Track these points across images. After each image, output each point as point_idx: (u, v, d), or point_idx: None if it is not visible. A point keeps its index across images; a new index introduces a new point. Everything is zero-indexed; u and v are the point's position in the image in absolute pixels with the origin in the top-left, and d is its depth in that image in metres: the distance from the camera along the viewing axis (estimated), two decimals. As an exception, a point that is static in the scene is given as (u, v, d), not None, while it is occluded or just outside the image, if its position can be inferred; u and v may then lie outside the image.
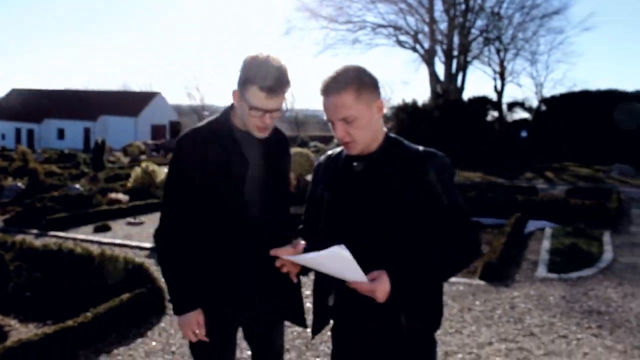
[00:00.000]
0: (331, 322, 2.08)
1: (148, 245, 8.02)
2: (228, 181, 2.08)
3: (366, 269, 1.73)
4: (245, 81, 2.00)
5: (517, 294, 5.80)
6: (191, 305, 2.15)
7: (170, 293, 2.19)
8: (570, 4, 48.17)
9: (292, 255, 1.91)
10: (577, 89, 26.93)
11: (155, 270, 6.38)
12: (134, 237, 8.77)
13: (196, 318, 2.14)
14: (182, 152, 2.13)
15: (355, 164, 1.94)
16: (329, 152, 2.12)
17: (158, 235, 2.21)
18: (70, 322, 4.33)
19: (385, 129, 1.96)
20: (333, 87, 1.82)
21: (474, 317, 5.14)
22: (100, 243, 8.19)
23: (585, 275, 6.41)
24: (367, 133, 1.85)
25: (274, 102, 2.00)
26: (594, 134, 23.17)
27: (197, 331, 2.15)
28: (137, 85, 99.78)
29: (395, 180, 1.84)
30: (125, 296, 4.97)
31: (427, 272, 1.80)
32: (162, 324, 5.00)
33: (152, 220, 10.20)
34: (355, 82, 1.81)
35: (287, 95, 2.07)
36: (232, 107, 2.16)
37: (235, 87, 2.07)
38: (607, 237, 8.27)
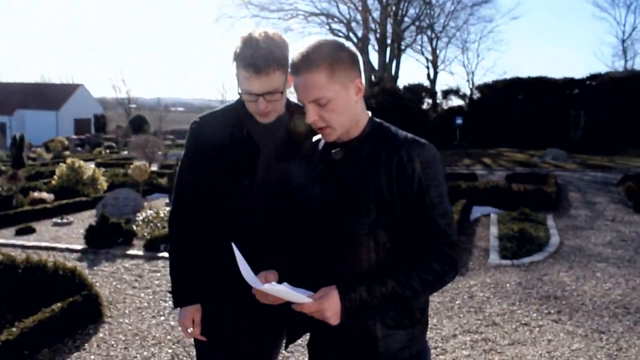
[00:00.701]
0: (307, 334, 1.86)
1: (78, 247, 7.41)
2: (236, 167, 1.98)
3: (329, 279, 1.59)
4: (235, 64, 1.87)
5: (473, 282, 5.74)
6: (188, 298, 2.06)
7: (172, 282, 2.11)
8: (499, -7, 49.99)
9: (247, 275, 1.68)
10: (507, 76, 27.72)
11: (90, 275, 5.90)
12: (62, 239, 8.10)
13: (192, 314, 2.05)
14: (192, 137, 2.07)
15: (333, 151, 1.71)
16: (312, 140, 1.90)
17: (170, 220, 2.12)
18: (-7, 341, 3.79)
19: (369, 113, 1.74)
20: (303, 64, 1.59)
21: (433, 308, 5.00)
22: (23, 247, 7.51)
23: (536, 260, 6.46)
24: (343, 117, 1.63)
25: (262, 83, 1.83)
26: (526, 119, 23.98)
27: (191, 329, 2.06)
28: (57, 77, 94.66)
29: (376, 171, 1.62)
30: (56, 306, 4.47)
31: (387, 291, 1.55)
32: (101, 334, 4.59)
33: (81, 220, 9.52)
34: (329, 58, 1.59)
35: (279, 75, 1.85)
36: None
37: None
38: (550, 221, 8.45)
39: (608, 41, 76.31)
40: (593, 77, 25.25)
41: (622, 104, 22.28)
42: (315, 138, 1.88)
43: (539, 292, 5.41)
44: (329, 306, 1.51)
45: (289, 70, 1.69)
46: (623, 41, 34.24)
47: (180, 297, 2.07)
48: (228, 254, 1.87)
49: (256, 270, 1.70)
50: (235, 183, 1.98)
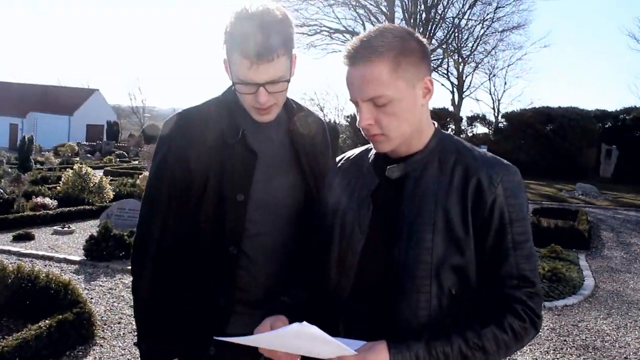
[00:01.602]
0: None
1: (77, 258, 7.00)
2: (228, 179, 1.55)
3: (374, 332, 1.27)
4: (228, 47, 1.48)
5: (502, 324, 5.22)
6: (163, 353, 1.59)
7: (138, 332, 1.63)
8: (530, 20, 49.89)
9: (237, 337, 1.32)
10: (536, 105, 27.18)
11: (85, 290, 5.47)
12: (61, 248, 7.68)
13: None
14: (166, 140, 1.59)
15: (389, 167, 1.37)
16: (347, 154, 1.57)
17: (137, 250, 1.63)
18: (-33, 361, 3.36)
19: (434, 123, 1.41)
20: (362, 52, 1.27)
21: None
22: (19, 254, 7.11)
23: (570, 304, 5.93)
24: (405, 124, 1.31)
25: (264, 71, 1.44)
26: (555, 151, 23.22)
27: None
28: (73, 81, 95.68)
29: (446, 196, 1.30)
30: (44, 323, 4.04)
31: (452, 352, 1.22)
32: (90, 358, 4.17)
33: (83, 229, 9.12)
34: (395, 47, 1.26)
35: (284, 60, 1.47)
36: None
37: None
38: (583, 261, 7.93)
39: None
40: (627, 110, 24.69)
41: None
42: (347, 153, 1.56)
43: (575, 341, 4.90)
44: None
45: (344, 60, 1.31)
46: (658, 74, 33.63)
47: (155, 352, 1.61)
48: (211, 296, 1.56)
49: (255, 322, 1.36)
50: (227, 200, 1.55)
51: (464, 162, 1.31)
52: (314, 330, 1.16)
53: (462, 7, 29.18)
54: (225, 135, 1.56)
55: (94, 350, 4.26)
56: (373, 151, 1.44)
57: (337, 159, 1.58)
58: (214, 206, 1.55)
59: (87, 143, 34.47)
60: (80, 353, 4.19)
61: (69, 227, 8.99)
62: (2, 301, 4.75)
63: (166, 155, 1.58)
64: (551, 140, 23.35)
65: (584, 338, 4.99)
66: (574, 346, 4.78)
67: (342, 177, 1.48)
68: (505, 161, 1.34)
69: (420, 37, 1.34)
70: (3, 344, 3.67)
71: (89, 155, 27.66)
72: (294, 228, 1.62)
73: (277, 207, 1.59)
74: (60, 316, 4.20)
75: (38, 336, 3.89)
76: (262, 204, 1.57)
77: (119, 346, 4.37)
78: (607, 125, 24.62)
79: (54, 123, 42.18)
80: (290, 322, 1.32)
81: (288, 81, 1.51)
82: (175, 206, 1.57)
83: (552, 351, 4.65)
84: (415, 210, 1.30)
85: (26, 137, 17.89)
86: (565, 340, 4.90)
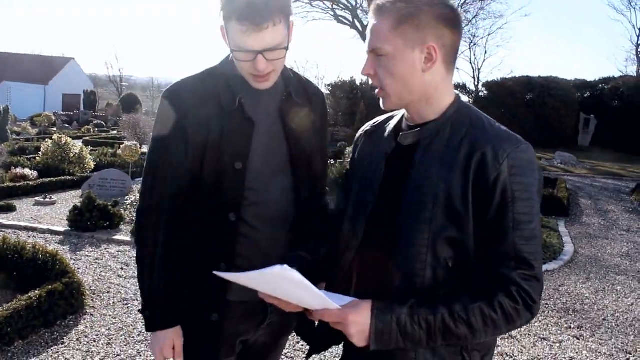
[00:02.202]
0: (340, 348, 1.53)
1: (61, 228, 6.94)
2: (226, 148, 1.55)
3: (368, 291, 1.31)
4: (224, 15, 1.46)
5: (485, 289, 5.37)
6: (168, 320, 1.64)
7: (143, 299, 1.68)
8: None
9: (230, 274, 1.34)
10: (516, 74, 27.14)
11: (72, 260, 5.46)
12: (44, 219, 7.61)
13: (170, 339, 1.64)
14: (165, 109, 1.59)
15: (401, 134, 1.40)
16: (376, 119, 1.57)
17: (140, 220, 1.65)
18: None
19: (455, 93, 1.39)
20: (375, 7, 1.32)
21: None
22: (1, 226, 7.01)
23: (551, 269, 6.12)
24: (400, 83, 1.32)
25: (263, 38, 1.43)
26: (534, 120, 23.33)
27: (171, 359, 1.66)
28: (47, 50, 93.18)
29: (450, 168, 1.28)
30: (34, 294, 4.04)
31: (435, 321, 1.21)
32: (82, 327, 4.17)
33: (65, 200, 9.04)
34: (403, 8, 1.28)
35: (282, 27, 1.47)
36: None
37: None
38: (562, 228, 8.14)
39: (622, 45, 76.41)
40: (605, 80, 24.89)
41: (635, 109, 21.94)
42: (387, 115, 1.54)
43: (556, 304, 5.07)
44: (355, 321, 1.21)
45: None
46: (637, 45, 33.88)
47: (158, 319, 1.65)
48: (212, 262, 1.58)
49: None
50: (225, 168, 1.57)
51: (473, 134, 1.29)
52: (296, 276, 1.16)
53: (444, -25, 28.99)
54: (223, 104, 1.57)
55: (84, 319, 4.28)
56: (397, 117, 1.47)
57: (367, 123, 1.59)
58: (213, 174, 1.57)
59: (64, 113, 33.73)
60: (72, 322, 4.20)
61: (50, 198, 8.88)
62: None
63: (165, 125, 1.58)
64: (531, 109, 23.48)
65: (564, 302, 5.16)
66: (555, 309, 4.94)
67: (366, 140, 1.53)
68: (517, 137, 1.29)
69: (448, 6, 1.31)
70: (-7, 314, 3.66)
71: (67, 125, 27.14)
72: (293, 195, 1.64)
73: (275, 174, 1.61)
74: (50, 286, 4.19)
75: (29, 306, 3.89)
76: (260, 172, 1.59)
77: (110, 315, 4.39)
78: (585, 95, 24.86)
79: (28, 92, 41.14)
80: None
81: (286, 49, 1.50)
82: (176, 175, 1.58)
83: (534, 314, 4.80)
84: (419, 179, 1.30)
85: (1, 107, 17.48)
86: (546, 304, 5.06)
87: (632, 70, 32.77)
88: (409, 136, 1.37)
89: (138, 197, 7.13)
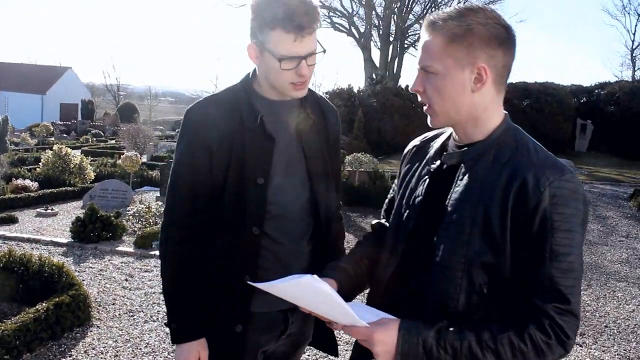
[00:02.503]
0: None
1: (64, 240, 6.97)
2: (248, 163, 1.62)
3: (398, 310, 1.30)
4: (262, 27, 1.52)
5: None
6: (194, 332, 1.69)
7: (168, 313, 1.73)
8: (507, -5, 49.85)
9: (257, 283, 1.38)
10: (512, 80, 27.21)
11: (76, 272, 5.49)
12: (46, 231, 7.64)
13: (196, 351, 1.69)
14: (190, 126, 1.66)
15: (445, 153, 1.40)
16: (425, 135, 1.59)
17: (165, 232, 1.71)
18: (-31, 346, 3.39)
19: (503, 114, 1.36)
20: (431, 23, 1.31)
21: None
22: (4, 238, 7.05)
23: (552, 276, 6.14)
24: (448, 102, 1.31)
25: (307, 43, 1.53)
26: (531, 126, 23.35)
27: None
28: (44, 59, 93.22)
29: (490, 193, 1.25)
30: (41, 306, 4.07)
31: (461, 347, 1.20)
32: (89, 339, 4.20)
33: (66, 211, 9.07)
34: (456, 26, 1.27)
35: (316, 35, 1.57)
36: (253, 72, 1.70)
37: (249, 40, 1.60)
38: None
39: (617, 50, 76.81)
40: (601, 85, 24.97)
41: (631, 114, 22.00)
42: (438, 130, 1.55)
43: (558, 311, 5.11)
44: (381, 340, 1.21)
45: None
46: (632, 50, 34.11)
47: (184, 331, 1.70)
48: (236, 275, 1.65)
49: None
50: (248, 183, 1.63)
51: (517, 159, 1.26)
52: (325, 287, 1.19)
53: (440, -20, 29.18)
54: (245, 122, 1.63)
55: (91, 331, 4.31)
56: (445, 135, 1.47)
57: (416, 138, 1.61)
58: (237, 189, 1.63)
59: (62, 122, 33.78)
60: (79, 335, 4.23)
61: (52, 209, 8.92)
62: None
63: (190, 141, 1.65)
64: (528, 115, 23.53)
65: (565, 309, 5.20)
66: (556, 316, 4.99)
67: (413, 156, 1.54)
68: (563, 165, 1.26)
69: (502, 26, 1.28)
70: (3, 327, 3.69)
71: (65, 135, 27.16)
72: (311, 208, 1.71)
73: (295, 189, 1.68)
74: (57, 299, 4.22)
75: (36, 319, 3.91)
76: (281, 187, 1.65)
77: (116, 327, 4.42)
78: (582, 100, 24.93)
79: (26, 102, 41.18)
80: (339, 289, 1.39)
81: (324, 51, 1.59)
82: (200, 191, 1.64)
83: (536, 322, 4.85)
84: (459, 201, 1.29)
85: (0, 118, 17.51)
86: (548, 311, 5.10)
87: (627, 75, 33.03)
88: (453, 156, 1.36)
89: (139, 208, 7.14)
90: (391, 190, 1.67)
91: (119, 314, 4.70)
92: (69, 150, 11.60)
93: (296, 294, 1.31)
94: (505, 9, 62.04)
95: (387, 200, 1.68)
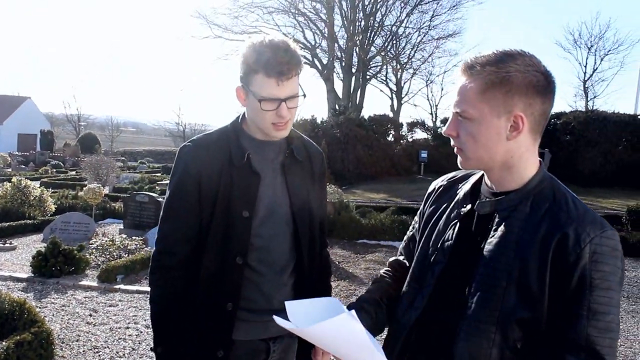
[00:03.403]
0: None
1: (24, 275, 6.76)
2: (234, 197, 1.74)
3: None
4: (247, 72, 1.68)
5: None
6: (176, 356, 1.77)
7: (155, 337, 1.80)
8: (465, 27, 51.47)
9: (289, 325, 1.30)
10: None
11: (37, 308, 5.32)
12: (4, 266, 7.39)
13: None
14: (182, 162, 1.78)
15: (479, 202, 1.36)
16: (451, 174, 1.57)
17: (156, 263, 1.80)
18: None
19: (539, 161, 1.33)
20: (468, 67, 1.27)
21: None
22: (-40, 273, 6.76)
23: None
24: (481, 149, 1.28)
25: (286, 87, 1.67)
26: None
27: None
28: (3, 90, 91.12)
29: (528, 246, 1.22)
30: (1, 345, 3.93)
31: None
32: (51, 379, 4.00)
33: (26, 244, 8.80)
34: (492, 73, 1.23)
35: (297, 79, 1.71)
36: (243, 114, 1.85)
37: (238, 84, 1.76)
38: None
39: (571, 81, 79.77)
40: (557, 115, 25.86)
41: (585, 143, 22.84)
42: (454, 174, 1.56)
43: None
44: None
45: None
46: (584, 82, 35.47)
47: (169, 355, 1.79)
48: (220, 302, 1.73)
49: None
50: (234, 216, 1.74)
51: (556, 212, 1.24)
52: (361, 327, 1.18)
53: (400, 15, 30.15)
54: (233, 159, 1.76)
55: (54, 370, 4.18)
56: (475, 177, 1.45)
57: (443, 177, 1.59)
58: (223, 221, 1.73)
59: (20, 153, 32.93)
60: (41, 374, 4.10)
61: (10, 243, 8.64)
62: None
63: (181, 176, 1.77)
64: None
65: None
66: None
67: (440, 196, 1.51)
68: (603, 221, 1.24)
69: (542, 73, 1.26)
70: (-39, 368, 3.56)
71: (23, 166, 26.45)
72: (294, 242, 1.80)
73: (279, 222, 1.78)
74: (18, 337, 4.07)
75: (-4, 359, 3.79)
76: (265, 220, 1.75)
77: (80, 364, 4.30)
78: (538, 130, 25.80)
79: (-18, 132, 40.09)
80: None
81: (304, 96, 1.74)
82: (190, 221, 1.75)
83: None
84: (495, 253, 1.25)
85: (-45, 149, 16.95)
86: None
87: (581, 105, 34.32)
88: (487, 205, 1.33)
89: (103, 241, 7.03)
90: (411, 228, 1.63)
91: (84, 351, 4.57)
92: (29, 182, 11.30)
93: (327, 334, 1.25)
94: (465, 41, 64.33)
95: (406, 238, 1.65)
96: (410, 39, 31.79)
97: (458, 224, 1.38)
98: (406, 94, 35.63)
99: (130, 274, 6.86)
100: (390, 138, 25.95)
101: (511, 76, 1.22)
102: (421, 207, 1.58)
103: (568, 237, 1.19)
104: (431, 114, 36.66)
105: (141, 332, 4.99)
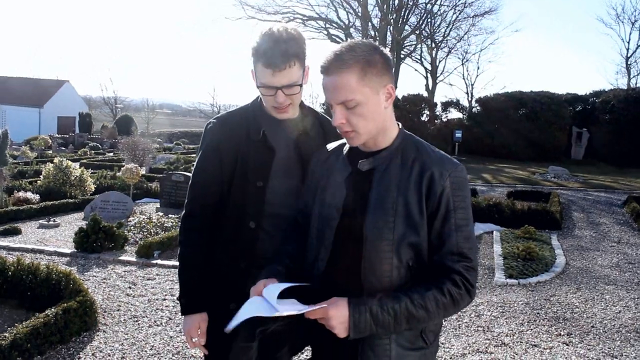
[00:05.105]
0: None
1: (67, 250, 7.13)
2: (250, 169, 1.94)
3: (345, 291, 1.55)
4: (253, 59, 1.88)
5: (480, 301, 5.59)
6: (196, 306, 2.01)
7: (180, 289, 2.04)
8: (501, 4, 50.48)
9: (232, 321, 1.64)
10: (508, 90, 27.34)
11: (82, 280, 5.65)
12: (49, 242, 7.79)
13: (198, 323, 2.00)
14: (207, 137, 2.02)
15: (360, 161, 1.66)
16: (327, 146, 1.87)
17: (184, 224, 2.04)
18: (-17, 348, 3.55)
19: (399, 124, 1.70)
20: (334, 64, 1.55)
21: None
22: (9, 249, 7.20)
23: (543, 280, 6.34)
24: (371, 123, 1.59)
25: (281, 77, 1.83)
26: (528, 135, 23.49)
27: (195, 338, 2.01)
28: (42, 73, 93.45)
29: (406, 186, 1.58)
30: (50, 312, 4.23)
31: (400, 309, 1.50)
32: (96, 342, 4.36)
33: (68, 222, 9.22)
34: (361, 60, 1.54)
35: (297, 69, 1.86)
36: None
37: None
38: (555, 241, 8.35)
39: (612, 58, 77.21)
40: (596, 94, 25.20)
41: (626, 122, 22.26)
42: (328, 146, 1.85)
43: (547, 313, 5.29)
44: (335, 315, 1.46)
45: (320, 70, 1.63)
46: (627, 58, 34.39)
47: (189, 304, 2.02)
48: (235, 260, 1.95)
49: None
50: (249, 185, 1.95)
51: (421, 159, 1.60)
52: (288, 304, 1.51)
53: (435, -8, 29.54)
54: (250, 134, 1.97)
55: (97, 336, 4.47)
56: (347, 146, 1.74)
57: (318, 151, 1.87)
58: (240, 189, 1.95)
59: (60, 135, 33.94)
60: (86, 339, 4.39)
61: (54, 221, 9.07)
62: (3, 293, 4.93)
63: (206, 149, 2.00)
64: (524, 124, 23.73)
65: (555, 310, 5.38)
66: (546, 318, 5.17)
67: (321, 167, 1.79)
68: (454, 159, 1.63)
69: (385, 51, 1.60)
70: (15, 331, 3.85)
71: (63, 148, 27.29)
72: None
73: (289, 192, 1.96)
74: (65, 304, 4.38)
75: (46, 323, 4.08)
76: (277, 190, 1.95)
77: (121, 331, 4.58)
78: (577, 109, 25.14)
79: (24, 115, 41.32)
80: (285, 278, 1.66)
81: (300, 86, 1.89)
82: (212, 188, 1.98)
83: (526, 323, 5.03)
84: (380, 196, 1.58)
85: (0, 131, 17.66)
86: (538, 313, 5.28)
87: (622, 83, 33.35)
88: (366, 163, 1.64)
89: (141, 219, 7.40)
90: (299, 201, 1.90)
91: (124, 320, 4.86)
92: (70, 163, 11.76)
93: (253, 310, 1.56)
94: (501, 19, 62.84)
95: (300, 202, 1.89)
96: (445, 16, 31.32)
97: (344, 184, 1.67)
98: (441, 73, 35.23)
99: (166, 249, 7.16)
100: (424, 118, 25.70)
101: (376, 60, 1.55)
102: (307, 180, 1.86)
103: (434, 174, 1.56)
104: (467, 93, 36.18)
105: (177, 303, 5.26)
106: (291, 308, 1.51)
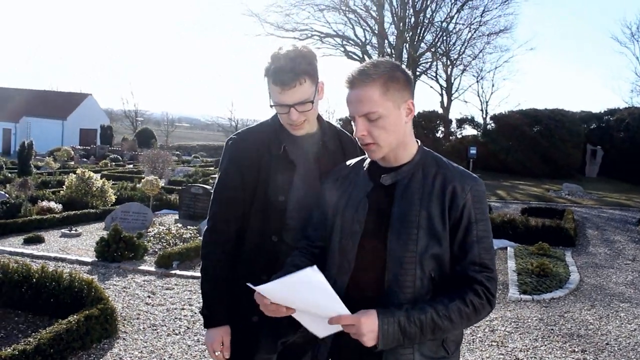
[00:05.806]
0: None
1: (88, 259, 7.30)
2: (272, 184, 1.97)
3: (370, 303, 1.57)
4: (266, 79, 1.91)
5: (494, 316, 5.61)
6: (219, 319, 2.02)
7: (203, 302, 2.07)
8: (516, 23, 50.28)
9: (259, 286, 1.60)
10: (522, 107, 27.31)
11: (103, 288, 5.79)
12: (71, 250, 7.98)
13: (221, 336, 2.02)
14: (229, 153, 2.05)
15: (383, 176, 1.71)
16: (345, 163, 1.91)
17: (206, 238, 2.06)
18: (7, 351, 3.68)
19: (418, 141, 1.76)
20: (359, 78, 1.63)
21: (455, 341, 4.87)
22: (32, 256, 7.39)
23: (557, 297, 6.34)
24: (392, 136, 1.65)
25: (292, 94, 1.87)
26: (542, 152, 23.49)
27: (217, 352, 2.02)
28: (65, 86, 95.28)
29: (429, 199, 1.63)
30: (73, 318, 4.36)
31: (426, 320, 1.53)
32: (116, 349, 4.47)
33: (89, 232, 9.42)
34: (385, 75, 1.62)
35: (309, 85, 1.89)
36: None
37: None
38: (569, 258, 8.34)
39: (627, 76, 76.58)
40: (611, 112, 25.04)
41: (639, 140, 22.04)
42: (356, 160, 1.87)
43: (561, 330, 5.30)
44: (366, 323, 1.48)
45: (345, 84, 1.68)
46: (641, 77, 33.98)
47: (212, 318, 2.03)
48: (256, 274, 1.91)
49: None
50: (271, 200, 1.97)
51: (443, 173, 1.66)
52: (323, 279, 1.42)
53: (450, 11, 29.66)
54: (271, 150, 2.00)
55: (117, 343, 4.58)
56: (367, 161, 1.79)
57: (336, 167, 1.90)
58: (262, 204, 1.99)
59: (82, 147, 34.56)
60: (106, 346, 4.50)
61: (76, 230, 9.28)
62: (27, 299, 5.08)
63: (227, 167, 2.04)
64: (538, 142, 23.65)
65: (569, 327, 5.38)
66: (560, 334, 5.18)
67: (341, 182, 1.82)
68: (474, 174, 1.69)
69: (405, 69, 1.69)
70: (39, 336, 3.99)
71: (84, 160, 27.81)
72: None
73: (311, 206, 1.97)
74: (87, 312, 4.51)
75: (69, 330, 4.21)
76: (299, 204, 1.98)
77: (141, 339, 4.70)
78: (592, 127, 24.99)
79: (47, 127, 42.18)
80: None
81: (312, 102, 1.92)
82: (234, 204, 2.01)
83: (540, 339, 5.04)
84: (403, 210, 1.62)
85: (26, 142, 18.10)
86: (552, 329, 5.29)
87: (637, 101, 32.91)
88: (388, 178, 1.69)
89: (160, 230, 7.52)
90: (314, 215, 1.89)
91: (143, 328, 4.98)
92: (92, 174, 12.03)
93: (292, 291, 1.53)
94: (516, 37, 62.76)
95: (314, 221, 1.88)
96: (461, 35, 31.37)
97: (366, 199, 1.71)
98: (456, 90, 35.19)
99: (185, 260, 7.30)
100: (439, 134, 25.68)
101: (398, 77, 1.64)
102: (326, 196, 1.84)
103: (456, 188, 1.62)
104: (481, 110, 36.11)
105: (195, 313, 5.38)
106: (338, 307, 1.50)
